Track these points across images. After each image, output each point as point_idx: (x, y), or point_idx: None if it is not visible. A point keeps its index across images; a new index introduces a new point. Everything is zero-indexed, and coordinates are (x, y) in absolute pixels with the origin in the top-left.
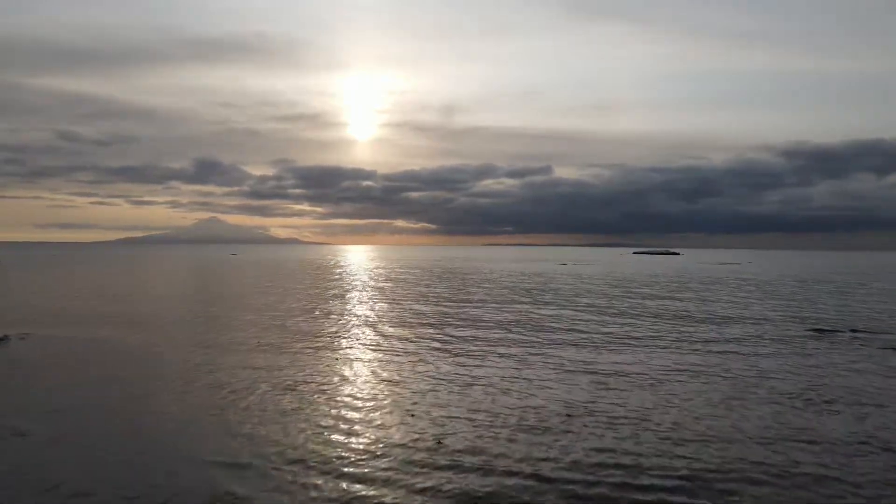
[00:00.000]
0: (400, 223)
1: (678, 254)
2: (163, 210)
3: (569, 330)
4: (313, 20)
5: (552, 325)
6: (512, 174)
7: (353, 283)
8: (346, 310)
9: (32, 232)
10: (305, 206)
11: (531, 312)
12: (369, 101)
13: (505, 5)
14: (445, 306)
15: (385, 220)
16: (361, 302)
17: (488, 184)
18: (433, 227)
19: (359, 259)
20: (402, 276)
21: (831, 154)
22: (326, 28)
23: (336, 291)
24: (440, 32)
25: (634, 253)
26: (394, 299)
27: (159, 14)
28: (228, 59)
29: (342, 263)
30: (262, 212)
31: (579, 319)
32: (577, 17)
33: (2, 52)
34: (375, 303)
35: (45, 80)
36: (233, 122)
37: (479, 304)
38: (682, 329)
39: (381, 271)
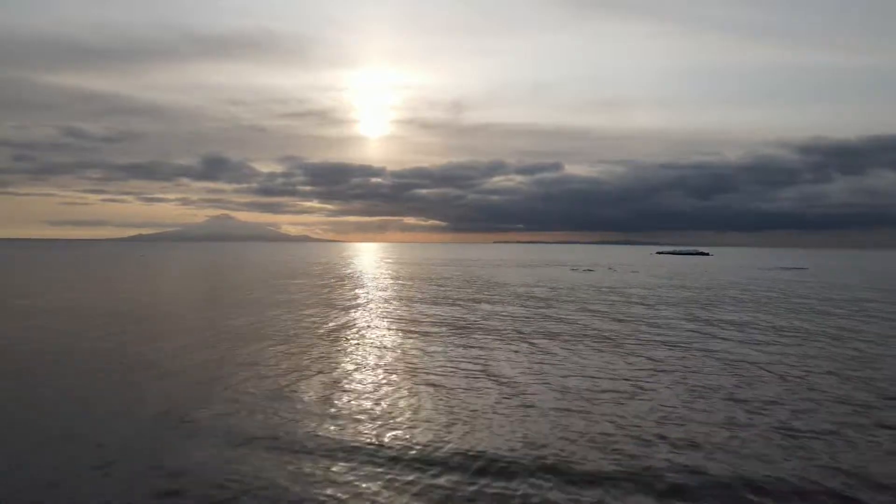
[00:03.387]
0: (410, 220)
1: (707, 254)
2: (173, 207)
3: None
4: (321, 16)
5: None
6: (522, 171)
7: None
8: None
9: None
10: (315, 204)
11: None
12: (378, 97)
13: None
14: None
15: (394, 217)
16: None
17: (498, 181)
18: (443, 224)
19: (354, 262)
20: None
21: (849, 150)
22: (335, 24)
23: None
24: (450, 29)
25: (658, 253)
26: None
27: (167, 11)
28: (236, 55)
29: (304, 270)
30: (272, 209)
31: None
32: (587, 13)
33: (9, 49)
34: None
35: (53, 77)
36: (240, 119)
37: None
38: None
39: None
